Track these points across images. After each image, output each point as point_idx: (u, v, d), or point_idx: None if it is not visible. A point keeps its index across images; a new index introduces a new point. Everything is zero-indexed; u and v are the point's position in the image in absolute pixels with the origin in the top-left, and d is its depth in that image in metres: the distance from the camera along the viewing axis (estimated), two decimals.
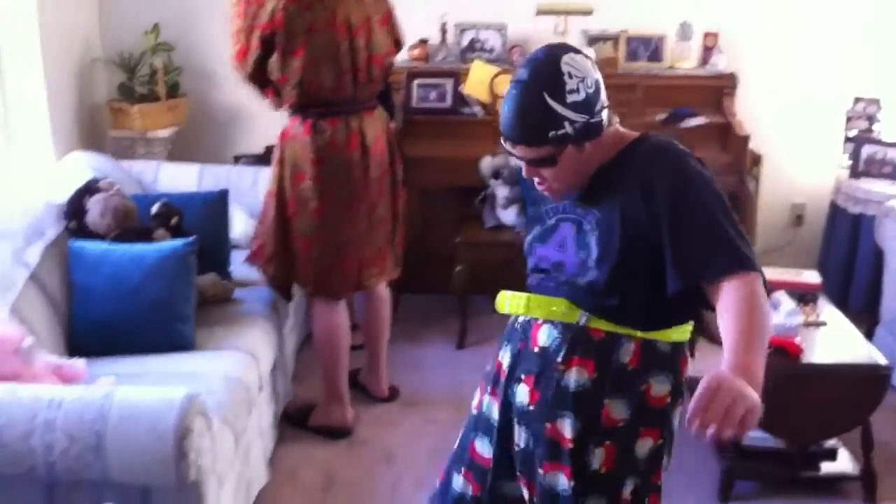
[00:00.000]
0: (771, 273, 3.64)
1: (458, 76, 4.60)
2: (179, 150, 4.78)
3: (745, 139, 4.43)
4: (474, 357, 4.16)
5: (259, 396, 3.19)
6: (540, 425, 1.90)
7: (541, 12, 4.62)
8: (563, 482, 1.89)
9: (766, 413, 3.11)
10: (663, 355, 1.87)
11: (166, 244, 3.25)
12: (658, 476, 1.95)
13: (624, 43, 4.77)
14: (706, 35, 4.77)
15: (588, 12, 4.60)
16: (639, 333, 1.85)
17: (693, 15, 4.77)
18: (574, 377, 1.85)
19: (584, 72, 1.79)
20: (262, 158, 4.65)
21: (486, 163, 4.29)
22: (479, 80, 4.55)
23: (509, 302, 1.97)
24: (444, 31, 4.78)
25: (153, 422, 2.28)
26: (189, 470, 2.30)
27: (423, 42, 4.74)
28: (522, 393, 1.93)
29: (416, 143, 4.34)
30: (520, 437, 1.96)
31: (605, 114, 1.83)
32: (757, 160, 4.69)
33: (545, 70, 1.78)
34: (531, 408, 1.91)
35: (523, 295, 1.95)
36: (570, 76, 1.77)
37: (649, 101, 4.58)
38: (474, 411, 2.11)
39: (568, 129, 1.78)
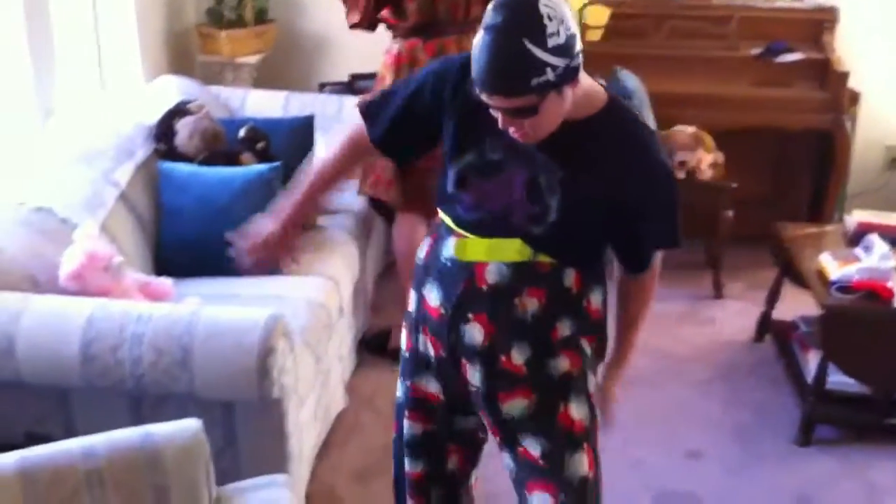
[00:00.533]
0: (864, 215, 3.55)
1: None
2: (266, 77, 4.80)
3: (844, 76, 4.27)
4: None
5: (339, 322, 3.23)
6: (494, 360, 1.93)
7: None
8: (521, 404, 1.95)
9: (851, 357, 3.09)
10: (598, 273, 1.98)
11: (253, 168, 3.28)
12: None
13: None
14: None
15: None
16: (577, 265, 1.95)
17: None
18: (529, 308, 1.90)
19: (562, 12, 1.67)
20: (348, 87, 4.64)
21: None
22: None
23: (471, 250, 1.92)
24: None
25: (238, 339, 2.32)
26: (272, 387, 2.34)
27: None
28: (473, 332, 1.92)
29: None
30: (473, 376, 1.96)
31: (580, 56, 1.72)
32: (854, 99, 4.52)
33: (523, 13, 1.65)
34: (486, 345, 1.92)
35: (483, 241, 1.90)
36: (550, 18, 1.65)
37: (744, 33, 4.43)
38: (406, 354, 2.09)
39: (550, 75, 1.67)
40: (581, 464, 1.96)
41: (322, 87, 4.81)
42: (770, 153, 4.61)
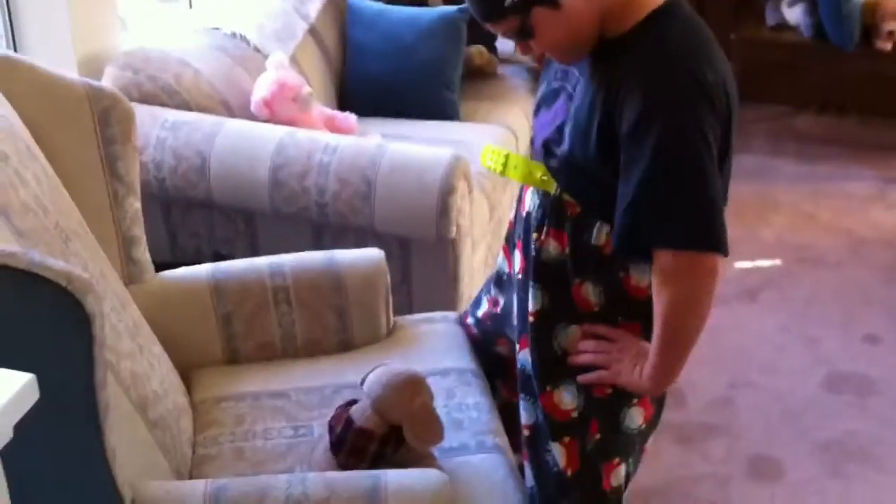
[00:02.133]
0: None
1: None
2: None
3: None
4: None
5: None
6: (524, 297, 1.73)
7: None
8: (525, 360, 1.75)
9: None
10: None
11: (439, 9, 3.25)
12: None
13: None
14: None
15: None
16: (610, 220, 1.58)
17: None
18: (548, 248, 1.66)
19: None
20: None
21: None
22: None
23: (490, 157, 1.76)
24: None
25: (421, 174, 2.34)
26: (449, 226, 2.36)
27: None
28: (517, 259, 1.76)
29: None
30: (502, 299, 1.89)
31: None
32: None
33: None
34: (519, 276, 1.74)
35: (503, 151, 1.75)
36: None
37: None
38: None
39: None
40: (558, 454, 1.73)
41: None
42: None
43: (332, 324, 2.00)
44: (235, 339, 1.96)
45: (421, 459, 1.65)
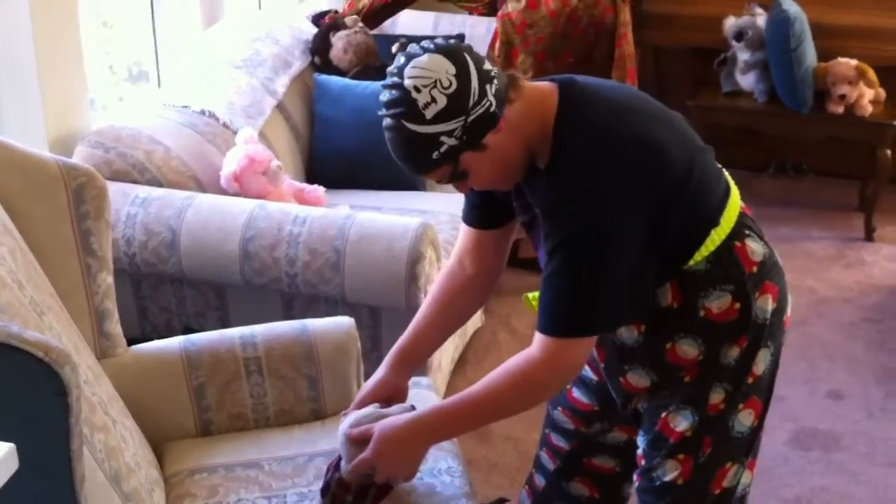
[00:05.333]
0: None
1: None
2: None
3: None
4: None
5: None
6: (615, 379, 1.80)
7: None
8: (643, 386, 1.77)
9: None
10: (703, 275, 1.65)
11: None
12: (751, 376, 1.73)
13: None
14: None
15: None
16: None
17: None
18: (625, 336, 1.71)
19: (433, 73, 1.52)
20: (493, 8, 4.61)
21: (730, 23, 4.09)
22: None
23: (535, 303, 1.74)
24: None
25: (389, 243, 2.39)
26: (418, 294, 2.40)
27: None
28: (594, 355, 1.83)
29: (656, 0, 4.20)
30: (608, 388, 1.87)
31: (488, 100, 1.54)
32: None
33: (394, 97, 1.55)
34: (602, 365, 1.83)
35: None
36: (418, 90, 1.51)
37: None
38: None
39: (449, 141, 1.53)
40: (670, 468, 1.76)
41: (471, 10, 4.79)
42: None
43: (304, 392, 2.02)
44: (208, 410, 1.98)
45: None
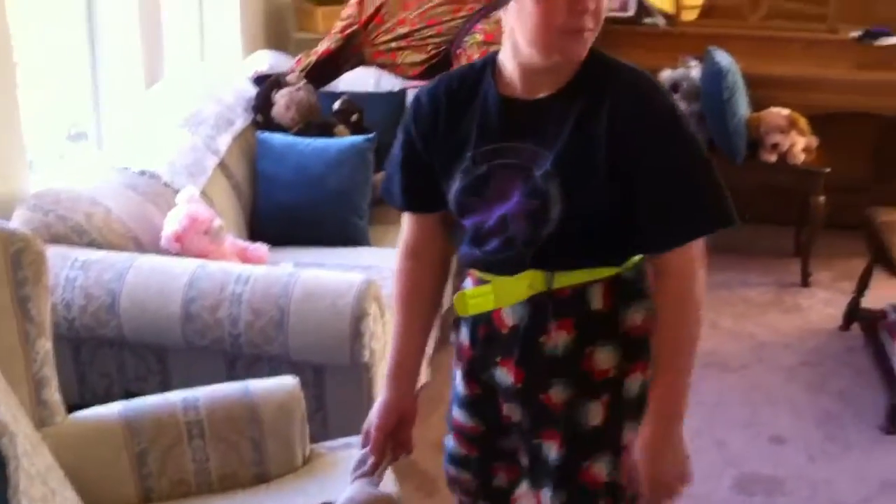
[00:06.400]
0: None
1: None
2: None
3: None
4: None
5: None
6: (533, 398, 1.72)
7: None
8: (555, 451, 1.72)
9: None
10: (631, 283, 1.68)
11: (347, 139, 3.35)
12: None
13: None
14: None
15: None
16: (604, 273, 1.65)
17: None
18: (558, 343, 1.67)
19: None
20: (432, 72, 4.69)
21: (666, 75, 4.19)
22: None
23: (473, 302, 1.72)
24: None
25: (333, 300, 2.39)
26: (363, 350, 2.40)
27: None
28: (504, 375, 1.74)
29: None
30: (511, 411, 1.77)
31: None
32: None
33: None
34: (519, 386, 1.72)
35: (487, 288, 1.71)
36: None
37: (844, 16, 4.35)
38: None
39: None
40: None
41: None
42: (868, 139, 4.52)
43: (248, 456, 2.00)
44: (149, 477, 1.95)
45: None
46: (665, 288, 1.62)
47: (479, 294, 1.71)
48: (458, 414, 1.87)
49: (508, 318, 1.69)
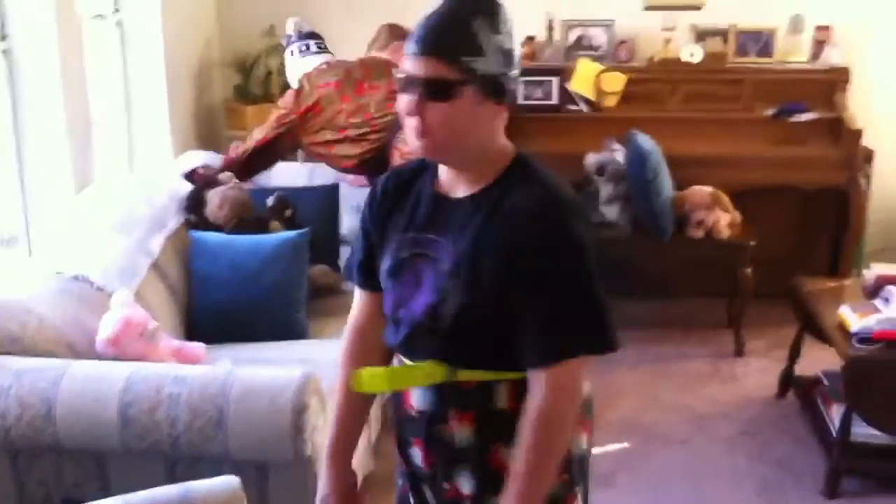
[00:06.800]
0: (882, 268, 3.60)
1: (564, 73, 4.63)
2: None
3: (858, 134, 4.35)
4: None
5: None
6: (439, 486, 1.78)
7: (649, 7, 4.63)
8: None
9: (875, 407, 3.10)
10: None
11: (281, 234, 3.38)
12: None
13: (734, 37, 4.75)
14: (818, 29, 4.70)
15: (698, 7, 4.60)
16: (509, 375, 1.66)
17: (805, 8, 4.70)
18: (459, 434, 1.71)
19: (513, 30, 1.62)
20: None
21: (591, 159, 4.31)
22: (585, 77, 4.58)
23: (368, 381, 1.77)
24: (550, 29, 4.82)
25: (272, 396, 2.38)
26: (305, 445, 2.39)
27: (530, 39, 4.79)
28: (417, 455, 1.80)
29: (520, 140, 4.36)
30: (427, 495, 1.84)
31: (511, 90, 1.63)
32: (869, 156, 4.59)
33: (483, 1, 1.60)
34: (427, 470, 1.79)
35: (382, 370, 1.78)
36: (506, 21, 1.60)
37: (758, 95, 4.54)
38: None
39: (481, 66, 1.57)
40: None
41: None
42: (789, 212, 4.68)
43: None
44: None
45: None
46: (530, 404, 1.61)
47: (375, 374, 1.77)
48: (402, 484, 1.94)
49: (416, 402, 1.75)
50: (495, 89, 1.60)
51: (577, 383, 1.64)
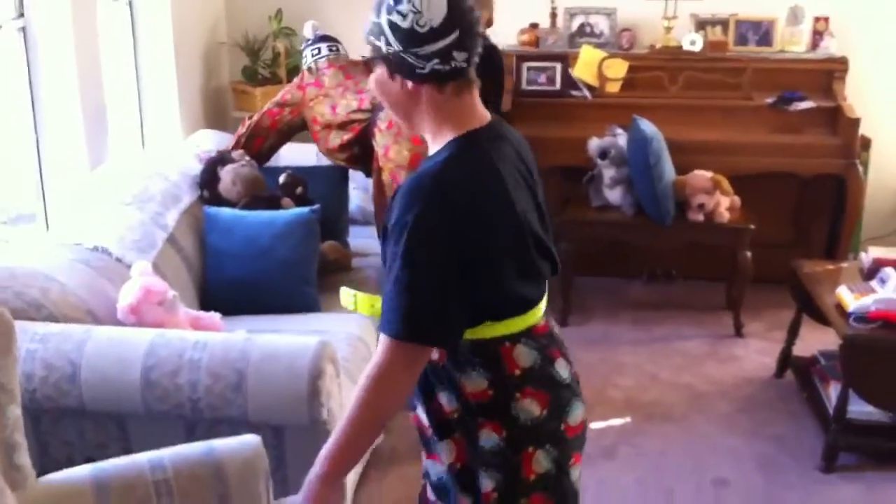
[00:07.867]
0: (879, 251, 3.69)
1: (567, 59, 4.71)
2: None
3: (856, 122, 4.43)
4: (576, 334, 4.26)
5: None
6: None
7: None
8: (435, 469, 1.94)
9: (871, 384, 3.19)
10: (464, 355, 1.81)
11: (293, 211, 3.45)
12: (529, 473, 1.84)
13: (734, 27, 4.83)
14: (817, 19, 4.79)
15: None
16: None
17: None
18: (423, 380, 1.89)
19: (430, 12, 1.68)
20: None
21: (594, 143, 4.39)
22: (588, 64, 4.66)
23: (346, 297, 1.99)
24: (553, 16, 4.89)
25: (290, 361, 2.46)
26: (321, 409, 2.47)
27: (534, 26, 4.87)
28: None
29: (525, 125, 4.45)
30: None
31: (432, 68, 1.71)
32: (866, 144, 4.68)
33: None
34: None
35: (352, 292, 1.97)
36: (411, 2, 1.69)
37: (758, 84, 4.61)
38: None
39: (383, 45, 1.73)
40: None
41: None
42: (788, 198, 4.76)
43: None
44: None
45: None
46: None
47: (347, 294, 1.97)
48: None
49: None
50: (399, 67, 1.73)
51: (386, 358, 1.71)
